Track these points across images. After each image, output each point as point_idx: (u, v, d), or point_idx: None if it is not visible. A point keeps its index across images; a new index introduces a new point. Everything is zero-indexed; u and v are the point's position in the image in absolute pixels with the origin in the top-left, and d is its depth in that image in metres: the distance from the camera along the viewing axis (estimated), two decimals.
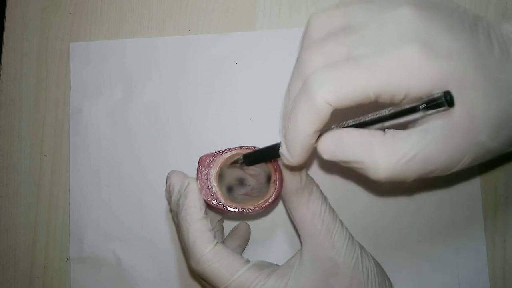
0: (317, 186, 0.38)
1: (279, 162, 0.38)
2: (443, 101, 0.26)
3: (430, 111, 0.27)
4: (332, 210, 0.38)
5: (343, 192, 0.46)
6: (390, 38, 0.29)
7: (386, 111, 0.29)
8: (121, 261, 0.48)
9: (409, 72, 0.28)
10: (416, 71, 0.28)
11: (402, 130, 0.30)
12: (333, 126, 0.31)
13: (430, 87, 0.28)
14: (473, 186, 0.45)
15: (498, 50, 0.30)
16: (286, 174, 0.37)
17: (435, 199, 0.45)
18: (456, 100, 0.27)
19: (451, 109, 0.28)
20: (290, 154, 0.31)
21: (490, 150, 0.31)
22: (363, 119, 0.30)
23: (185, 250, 0.37)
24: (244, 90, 0.48)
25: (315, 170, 0.46)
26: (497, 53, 0.30)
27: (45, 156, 0.50)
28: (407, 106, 0.28)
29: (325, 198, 0.38)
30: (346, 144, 0.30)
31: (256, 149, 0.38)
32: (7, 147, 0.51)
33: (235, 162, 0.38)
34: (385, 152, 0.29)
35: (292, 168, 0.36)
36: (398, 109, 0.28)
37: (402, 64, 0.28)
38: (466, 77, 0.28)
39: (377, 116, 0.29)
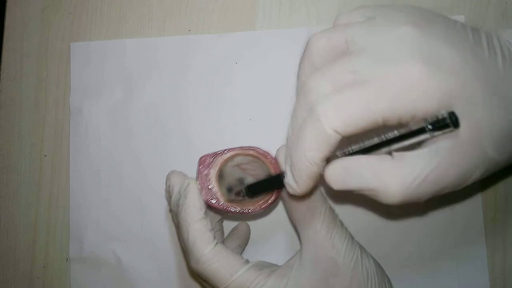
0: (317, 186, 0.38)
1: (279, 162, 0.38)
2: (449, 122, 0.26)
3: (436, 133, 0.27)
4: (332, 210, 0.38)
5: (343, 193, 0.46)
6: (393, 59, 0.29)
7: (392, 134, 0.29)
8: (121, 261, 0.48)
9: (415, 92, 0.27)
10: (422, 90, 0.27)
11: (409, 152, 0.30)
12: (338, 153, 0.31)
13: (437, 105, 0.28)
14: (473, 187, 0.45)
15: (501, 60, 0.30)
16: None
17: (435, 199, 0.45)
18: (462, 115, 0.27)
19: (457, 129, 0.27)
20: (296, 184, 0.31)
21: (498, 163, 0.30)
22: (368, 143, 0.30)
23: (185, 250, 0.37)
24: (244, 90, 0.48)
25: None
26: (500, 63, 0.30)
27: (45, 156, 0.50)
28: (414, 128, 0.28)
29: (325, 198, 0.38)
30: (356, 172, 0.30)
31: (258, 179, 0.38)
32: (7, 147, 0.51)
33: (238, 193, 0.38)
34: (395, 177, 0.29)
35: (297, 198, 0.36)
36: (404, 131, 0.28)
37: (408, 85, 0.28)
38: (470, 91, 0.28)
39: (383, 140, 0.29)
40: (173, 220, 0.41)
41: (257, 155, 0.39)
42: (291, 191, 0.32)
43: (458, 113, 0.27)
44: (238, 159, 0.39)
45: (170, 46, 0.50)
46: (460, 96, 0.28)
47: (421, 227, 0.45)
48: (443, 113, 0.26)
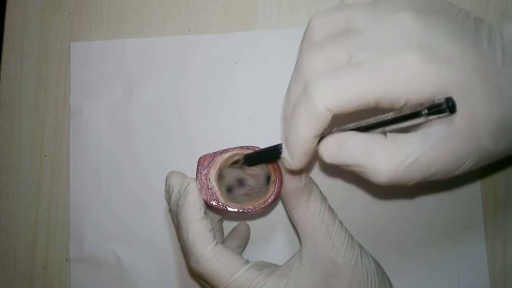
0: (317, 186, 0.38)
1: (279, 163, 0.38)
2: (445, 107, 0.26)
3: (432, 117, 0.27)
4: (331, 210, 0.38)
5: (343, 193, 0.46)
6: (390, 44, 0.29)
7: (388, 116, 0.29)
8: (121, 261, 0.48)
9: (409, 78, 0.28)
10: (416, 77, 0.28)
11: (403, 134, 0.30)
12: (334, 129, 0.31)
13: (431, 93, 0.28)
14: (473, 187, 0.45)
15: (500, 54, 0.30)
16: (286, 174, 0.37)
17: (435, 199, 0.45)
18: (458, 105, 0.27)
19: (453, 115, 0.28)
20: (292, 159, 0.31)
21: (492, 154, 0.31)
22: (364, 123, 0.30)
23: (185, 250, 0.37)
24: (244, 90, 0.48)
25: (315, 171, 0.46)
26: (499, 57, 0.30)
27: (45, 156, 0.50)
28: (409, 111, 0.28)
29: (324, 198, 0.38)
30: (347, 148, 0.30)
31: (256, 149, 0.38)
32: (7, 147, 0.51)
33: (236, 162, 0.38)
34: (386, 155, 0.29)
35: (293, 172, 0.36)
36: (400, 114, 0.28)
37: (402, 70, 0.28)
38: (467, 82, 0.28)
39: (379, 120, 0.29)
40: (172, 220, 0.41)
41: None
42: (287, 165, 0.33)
43: (455, 98, 0.27)
44: (238, 159, 0.39)
45: (170, 46, 0.50)
46: (456, 85, 0.28)
47: (421, 227, 0.45)
48: (440, 98, 0.27)
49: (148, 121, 0.49)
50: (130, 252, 0.48)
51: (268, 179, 0.39)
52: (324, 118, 0.29)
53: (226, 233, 0.45)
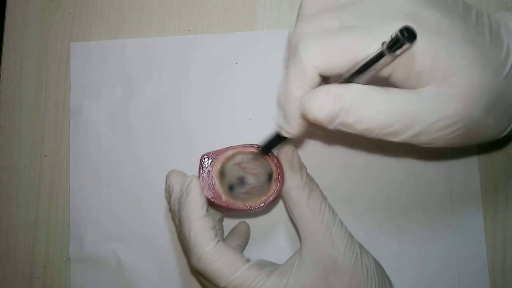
0: (317, 185, 0.38)
1: (281, 161, 0.38)
2: (403, 39, 0.26)
3: (398, 52, 0.27)
4: (331, 209, 0.38)
5: (343, 192, 0.46)
6: (380, 14, 0.30)
7: (358, 65, 0.29)
8: (121, 261, 0.48)
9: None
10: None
11: (399, 89, 0.30)
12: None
13: (419, 61, 0.28)
14: (474, 186, 0.45)
15: (488, 32, 0.31)
16: (287, 172, 0.37)
17: (436, 199, 0.45)
18: (453, 69, 0.28)
19: (449, 81, 0.28)
20: (287, 124, 0.32)
21: (481, 127, 0.31)
22: (340, 79, 0.30)
23: (186, 248, 0.37)
24: (244, 90, 0.48)
25: (315, 171, 0.46)
26: (487, 34, 0.31)
27: (45, 156, 0.50)
28: (374, 53, 0.28)
29: (324, 197, 0.38)
30: (340, 96, 0.29)
31: (267, 140, 0.38)
32: (7, 147, 0.51)
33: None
34: (384, 101, 0.29)
35: (293, 168, 0.36)
36: (367, 59, 0.28)
37: (392, 33, 0.28)
38: (458, 49, 0.29)
39: (351, 72, 0.29)
40: (173, 219, 0.41)
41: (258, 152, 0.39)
42: (284, 133, 0.33)
43: (447, 63, 0.28)
44: (239, 158, 0.39)
45: (170, 46, 0.50)
46: (443, 53, 0.28)
47: (421, 228, 0.45)
48: (396, 30, 0.26)
49: (148, 121, 0.49)
50: (130, 252, 0.48)
51: (269, 177, 0.39)
52: (311, 75, 0.29)
53: (226, 232, 0.45)
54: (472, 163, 0.45)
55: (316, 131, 0.33)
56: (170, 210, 0.40)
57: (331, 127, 0.30)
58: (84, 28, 0.52)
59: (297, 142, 0.46)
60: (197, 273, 0.37)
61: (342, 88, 0.29)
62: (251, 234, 0.46)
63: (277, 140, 0.37)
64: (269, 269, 0.36)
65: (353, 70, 0.29)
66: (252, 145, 0.39)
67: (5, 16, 0.53)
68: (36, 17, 0.52)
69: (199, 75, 0.49)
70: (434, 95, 0.29)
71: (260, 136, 0.46)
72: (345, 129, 0.30)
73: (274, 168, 0.38)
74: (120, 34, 0.51)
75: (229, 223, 0.46)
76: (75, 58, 0.51)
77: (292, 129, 0.32)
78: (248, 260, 0.36)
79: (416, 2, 0.30)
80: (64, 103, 0.51)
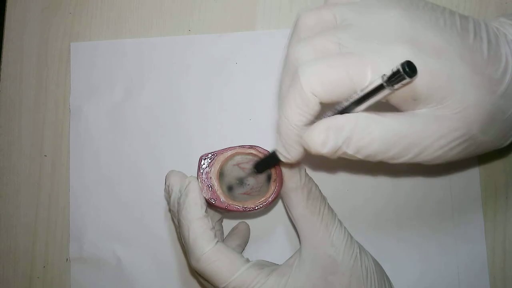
0: (316, 186, 0.38)
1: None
2: (403, 73, 0.26)
3: (397, 86, 0.27)
4: (330, 209, 0.38)
5: (343, 192, 0.46)
6: (378, 36, 0.30)
7: (355, 95, 0.29)
8: (121, 261, 0.48)
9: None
10: None
11: (394, 112, 0.30)
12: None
13: (419, 84, 0.28)
14: (473, 186, 0.45)
15: (486, 46, 0.31)
16: (286, 172, 0.37)
17: (436, 199, 0.45)
18: (449, 92, 0.28)
19: (444, 103, 0.28)
20: (286, 150, 0.32)
21: (481, 143, 0.31)
22: (338, 107, 0.30)
23: (186, 249, 0.37)
24: (244, 90, 0.48)
25: (315, 170, 0.46)
26: (485, 49, 0.31)
27: (45, 156, 0.50)
28: (373, 85, 0.28)
29: (323, 197, 0.38)
30: (338, 128, 0.29)
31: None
32: (7, 147, 0.51)
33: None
34: (380, 127, 0.29)
35: (292, 166, 0.36)
36: (366, 90, 0.28)
37: (390, 59, 0.28)
38: (453, 72, 0.29)
39: (350, 101, 0.29)
40: (172, 220, 0.41)
41: (257, 154, 0.39)
42: (282, 158, 0.33)
43: (443, 88, 0.28)
44: (238, 158, 0.39)
45: (170, 46, 0.50)
46: (443, 75, 0.29)
47: (421, 228, 0.45)
48: (397, 65, 0.26)
49: (148, 121, 0.49)
50: (130, 252, 0.48)
51: (268, 178, 0.39)
52: (312, 103, 0.29)
53: (225, 233, 0.45)
54: (473, 163, 0.45)
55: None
56: (170, 210, 0.40)
57: (333, 158, 0.31)
58: (84, 28, 0.52)
59: None
60: (197, 273, 0.37)
61: (342, 120, 0.29)
62: (251, 234, 0.46)
63: (274, 161, 0.37)
64: (268, 269, 0.36)
65: (352, 100, 0.29)
66: (251, 146, 0.39)
67: (5, 16, 0.53)
68: (36, 17, 0.52)
69: (199, 75, 0.49)
70: (429, 117, 0.29)
71: (260, 136, 0.46)
72: (347, 157, 0.31)
73: (272, 169, 0.38)
74: (120, 34, 0.51)
75: (229, 223, 0.46)
76: (75, 58, 0.51)
77: (290, 155, 0.32)
78: (247, 260, 0.36)
79: (414, 23, 0.30)
80: (64, 103, 0.51)
